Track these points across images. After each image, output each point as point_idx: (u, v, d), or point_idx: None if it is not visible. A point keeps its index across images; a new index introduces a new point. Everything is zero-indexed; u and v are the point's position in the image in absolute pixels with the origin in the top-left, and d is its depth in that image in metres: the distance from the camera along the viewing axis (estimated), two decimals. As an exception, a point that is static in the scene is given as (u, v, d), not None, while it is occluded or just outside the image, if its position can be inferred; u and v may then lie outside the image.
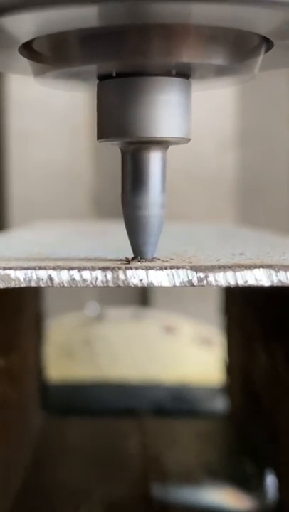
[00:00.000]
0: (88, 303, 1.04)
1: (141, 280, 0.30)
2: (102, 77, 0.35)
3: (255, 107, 1.38)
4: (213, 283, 0.30)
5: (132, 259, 0.34)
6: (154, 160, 0.35)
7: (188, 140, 0.35)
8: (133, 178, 0.35)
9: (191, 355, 0.87)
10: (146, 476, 0.61)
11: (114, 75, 0.34)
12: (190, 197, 1.30)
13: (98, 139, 0.35)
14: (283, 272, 0.31)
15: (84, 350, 0.86)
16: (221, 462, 0.65)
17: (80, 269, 0.30)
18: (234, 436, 0.71)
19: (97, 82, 0.35)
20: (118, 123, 0.34)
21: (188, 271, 0.31)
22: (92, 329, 0.90)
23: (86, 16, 0.30)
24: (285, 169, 1.40)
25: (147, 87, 0.33)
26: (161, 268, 0.31)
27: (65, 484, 0.59)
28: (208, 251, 0.39)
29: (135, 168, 0.35)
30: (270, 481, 0.57)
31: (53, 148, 1.36)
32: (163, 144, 0.35)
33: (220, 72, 0.35)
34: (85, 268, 0.30)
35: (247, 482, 0.60)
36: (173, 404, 0.80)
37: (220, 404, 0.79)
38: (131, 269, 0.31)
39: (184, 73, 0.34)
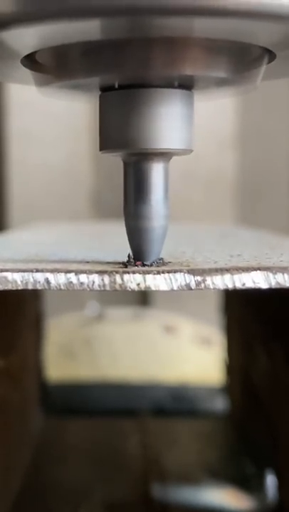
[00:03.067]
0: (88, 303, 1.04)
1: (138, 284, 0.30)
2: (105, 89, 0.35)
3: (255, 107, 1.38)
4: (211, 286, 0.31)
5: (128, 261, 0.34)
6: (157, 171, 0.35)
7: (191, 151, 0.35)
8: (136, 189, 0.35)
9: (191, 355, 0.87)
10: (146, 476, 0.61)
11: (116, 86, 0.34)
12: (189, 197, 1.30)
13: (100, 150, 0.35)
14: (281, 274, 0.31)
15: (84, 350, 0.86)
16: (221, 462, 0.65)
17: (77, 272, 0.31)
18: (234, 436, 0.71)
19: (99, 93, 0.35)
20: (120, 135, 0.34)
21: (186, 275, 0.31)
22: (92, 329, 0.90)
23: (87, 30, 0.30)
24: (285, 169, 1.40)
25: (150, 98, 0.33)
26: (158, 272, 0.31)
27: (65, 484, 0.59)
28: (206, 252, 0.39)
29: (138, 179, 0.35)
30: (270, 481, 0.57)
31: (53, 149, 1.36)
32: (165, 155, 0.35)
33: (222, 83, 0.35)
34: (82, 271, 0.31)
35: (247, 482, 0.60)
36: (173, 404, 0.80)
37: (220, 404, 0.79)
38: (128, 273, 0.31)
39: (187, 85, 0.34)
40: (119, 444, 0.69)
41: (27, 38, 0.31)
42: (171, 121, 0.34)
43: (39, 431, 0.71)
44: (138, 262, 0.34)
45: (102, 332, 0.89)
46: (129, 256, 0.34)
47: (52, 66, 0.34)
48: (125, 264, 0.33)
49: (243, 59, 0.33)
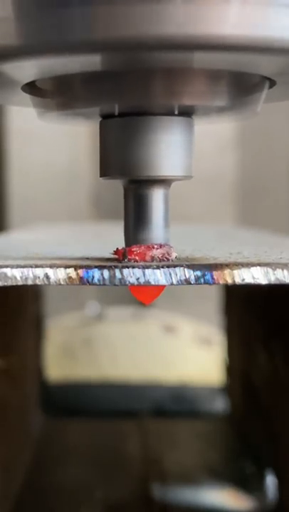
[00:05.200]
0: (88, 303, 1.04)
1: (138, 279, 0.30)
2: (105, 116, 0.35)
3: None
4: (210, 281, 0.30)
5: (122, 254, 0.34)
6: (157, 197, 0.35)
7: (191, 177, 0.35)
8: (136, 215, 0.35)
9: (191, 355, 0.87)
10: (146, 476, 0.61)
11: (116, 113, 0.34)
12: (189, 197, 1.30)
13: (101, 176, 0.36)
14: (280, 270, 0.31)
15: (84, 350, 0.86)
16: (220, 462, 0.65)
17: (76, 267, 0.31)
18: (234, 436, 0.71)
19: (100, 119, 0.35)
20: (121, 162, 0.34)
21: (186, 269, 0.31)
22: (92, 329, 0.90)
23: (88, 62, 0.30)
24: (285, 169, 1.40)
25: (150, 126, 0.33)
26: (158, 267, 0.31)
27: (66, 485, 0.59)
28: (206, 250, 0.39)
29: (138, 205, 0.35)
30: (270, 481, 0.57)
31: (53, 148, 1.36)
32: (166, 182, 0.35)
33: (223, 110, 0.35)
34: (81, 266, 0.31)
35: (247, 482, 0.60)
36: (173, 404, 0.80)
37: (220, 404, 0.79)
38: (128, 267, 0.31)
39: (187, 112, 0.34)
40: (119, 444, 0.69)
41: (27, 68, 0.31)
42: (171, 148, 0.34)
43: (39, 431, 0.71)
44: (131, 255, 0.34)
45: (102, 332, 0.89)
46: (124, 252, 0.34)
47: (51, 96, 0.34)
48: (118, 255, 0.33)
49: (243, 87, 0.34)
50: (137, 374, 0.82)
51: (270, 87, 0.35)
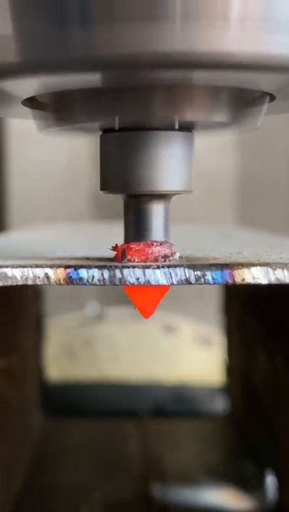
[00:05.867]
0: (88, 303, 1.04)
1: (138, 279, 0.30)
2: (106, 130, 0.35)
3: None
4: (211, 281, 0.30)
5: (122, 252, 0.34)
6: (157, 212, 0.35)
7: (191, 191, 0.35)
8: (136, 228, 0.35)
9: (191, 355, 0.87)
10: (146, 476, 0.61)
11: (117, 128, 0.34)
12: (189, 198, 1.30)
13: (101, 189, 0.36)
14: (280, 270, 0.31)
15: (84, 350, 0.86)
16: (220, 462, 0.65)
17: (76, 267, 0.31)
18: (234, 436, 0.71)
19: (100, 133, 0.35)
20: (121, 177, 0.34)
21: (186, 269, 0.31)
22: (93, 329, 0.90)
23: (88, 79, 0.30)
24: (285, 170, 1.40)
25: (150, 141, 0.33)
26: (158, 267, 0.31)
27: (66, 485, 0.59)
28: (206, 251, 0.39)
29: (138, 219, 0.35)
30: (270, 481, 0.57)
31: (53, 148, 1.36)
32: (166, 196, 0.35)
33: (223, 125, 0.35)
34: (82, 266, 0.31)
35: (247, 482, 0.60)
36: (173, 404, 0.80)
37: (220, 404, 0.79)
38: (128, 267, 0.31)
39: (187, 127, 0.34)
40: (119, 444, 0.69)
41: (27, 85, 0.31)
42: (171, 163, 0.34)
43: (39, 431, 0.71)
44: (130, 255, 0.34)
45: (102, 332, 0.89)
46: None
47: (52, 109, 0.34)
48: (118, 251, 0.33)
49: (243, 103, 0.34)
50: (137, 374, 0.82)
51: (271, 101, 0.35)
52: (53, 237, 0.59)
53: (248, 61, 0.28)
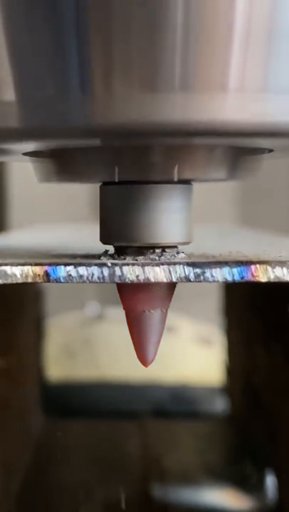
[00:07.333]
0: (88, 303, 1.04)
1: (137, 276, 0.31)
2: (105, 182, 0.35)
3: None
4: (210, 279, 0.31)
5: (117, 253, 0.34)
6: None
7: (190, 243, 0.36)
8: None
9: (191, 355, 0.87)
10: (146, 476, 0.61)
11: (116, 180, 0.34)
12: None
13: (100, 240, 0.36)
14: (280, 268, 0.31)
15: (84, 350, 0.86)
16: (220, 462, 0.65)
17: (76, 265, 0.31)
18: (234, 436, 0.71)
19: (100, 183, 0.36)
20: (121, 229, 0.34)
21: (185, 267, 0.31)
22: (93, 329, 0.90)
23: (87, 142, 0.31)
24: (285, 169, 1.40)
25: (149, 194, 0.34)
26: (157, 264, 0.31)
27: (66, 485, 0.59)
28: (206, 249, 0.39)
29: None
30: (270, 481, 0.57)
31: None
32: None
33: (221, 178, 0.36)
34: (81, 264, 0.31)
35: (247, 482, 0.60)
36: (173, 404, 0.80)
37: (220, 404, 0.79)
38: (128, 265, 0.31)
39: (186, 180, 0.35)
40: (119, 444, 0.69)
41: (28, 145, 0.32)
42: (170, 216, 0.34)
43: (39, 431, 0.71)
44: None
45: (102, 332, 0.89)
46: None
47: (51, 161, 0.35)
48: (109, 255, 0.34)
49: (242, 159, 0.34)
50: (136, 374, 0.82)
51: (270, 151, 0.36)
52: (52, 237, 0.59)
53: (247, 129, 0.29)
